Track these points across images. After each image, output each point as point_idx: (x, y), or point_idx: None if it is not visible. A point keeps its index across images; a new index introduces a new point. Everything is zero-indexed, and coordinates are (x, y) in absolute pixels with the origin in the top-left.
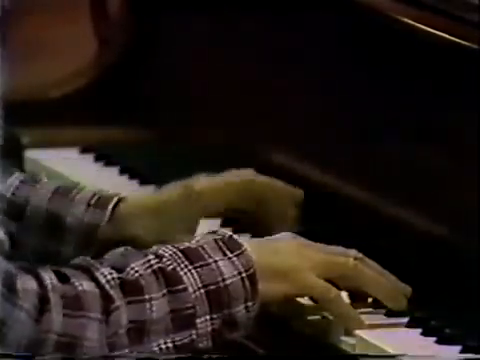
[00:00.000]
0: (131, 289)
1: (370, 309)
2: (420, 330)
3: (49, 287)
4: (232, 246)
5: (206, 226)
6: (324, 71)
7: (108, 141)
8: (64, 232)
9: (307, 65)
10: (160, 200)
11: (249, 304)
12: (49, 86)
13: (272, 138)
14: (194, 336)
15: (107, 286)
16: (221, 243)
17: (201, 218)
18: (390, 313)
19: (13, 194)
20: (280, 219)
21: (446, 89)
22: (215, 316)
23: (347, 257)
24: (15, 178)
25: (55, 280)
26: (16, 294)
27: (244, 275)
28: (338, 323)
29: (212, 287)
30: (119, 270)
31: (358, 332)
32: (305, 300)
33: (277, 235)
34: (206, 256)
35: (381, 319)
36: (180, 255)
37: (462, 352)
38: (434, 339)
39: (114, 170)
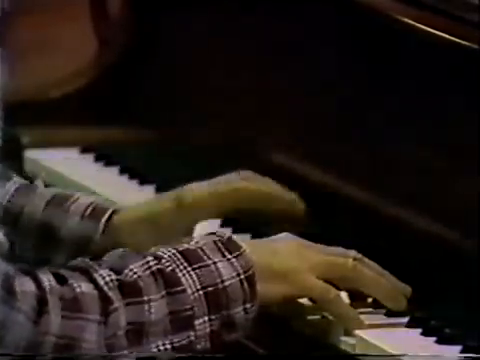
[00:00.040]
0: (129, 291)
1: (370, 309)
2: (420, 330)
3: (47, 289)
4: (231, 247)
5: (206, 226)
6: (324, 71)
7: (108, 141)
8: (57, 243)
9: (307, 66)
10: (153, 212)
11: (248, 306)
12: (49, 86)
13: (272, 138)
14: (192, 337)
15: (105, 288)
16: (220, 244)
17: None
18: (390, 313)
19: (9, 201)
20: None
21: (446, 89)
22: (213, 317)
23: (346, 258)
24: (12, 184)
25: (53, 282)
26: (14, 296)
27: (243, 277)
28: (338, 323)
29: (211, 289)
30: (118, 272)
31: (358, 332)
32: (305, 300)
33: (276, 236)
34: (205, 257)
35: (381, 319)
36: (179, 256)
37: (462, 352)
38: (434, 339)
39: (114, 170)
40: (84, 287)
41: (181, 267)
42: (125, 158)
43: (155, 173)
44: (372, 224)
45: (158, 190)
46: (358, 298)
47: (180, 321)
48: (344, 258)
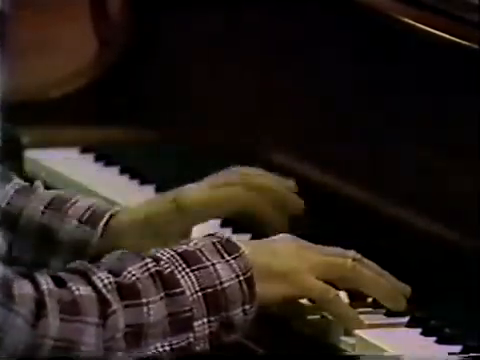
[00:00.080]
0: (128, 293)
1: (369, 309)
2: (420, 330)
3: (46, 292)
4: (230, 249)
5: (206, 226)
6: (324, 71)
7: (108, 141)
8: (55, 247)
9: (307, 66)
10: (151, 214)
11: (246, 307)
12: (49, 86)
13: (272, 138)
14: (191, 339)
15: (104, 290)
16: (219, 246)
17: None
18: (390, 313)
19: (8, 203)
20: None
21: (446, 89)
22: (212, 319)
23: (346, 258)
24: (11, 187)
25: (52, 285)
26: (12, 299)
27: (242, 278)
28: (338, 323)
29: (209, 290)
30: (116, 274)
31: (358, 332)
32: (305, 300)
33: (276, 236)
34: (204, 259)
35: (381, 319)
36: (178, 258)
37: (462, 352)
38: (434, 339)
39: (114, 170)
40: (82, 290)
41: (180, 269)
42: (125, 158)
43: (155, 173)
44: (372, 224)
45: (158, 190)
46: (358, 298)
47: (179, 323)
48: (343, 258)
